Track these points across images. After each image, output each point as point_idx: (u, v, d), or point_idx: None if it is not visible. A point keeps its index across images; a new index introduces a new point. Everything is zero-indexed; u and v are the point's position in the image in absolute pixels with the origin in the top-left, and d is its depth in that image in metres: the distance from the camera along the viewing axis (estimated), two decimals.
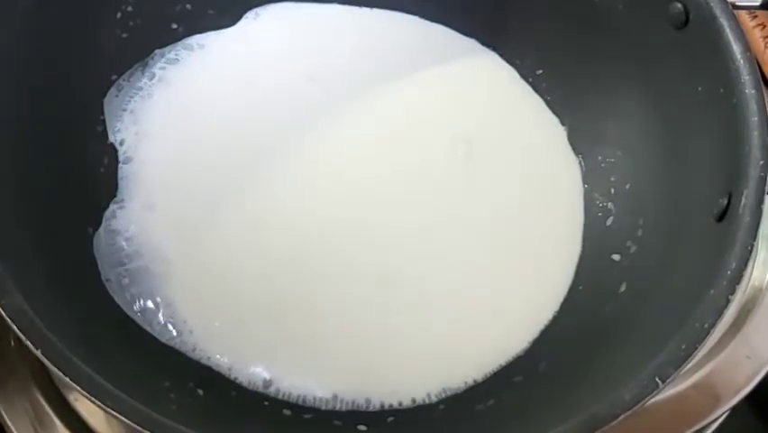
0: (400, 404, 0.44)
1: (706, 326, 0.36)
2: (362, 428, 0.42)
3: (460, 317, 0.46)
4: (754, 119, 0.40)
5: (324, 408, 0.43)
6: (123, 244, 0.46)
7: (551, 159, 0.52)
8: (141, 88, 0.50)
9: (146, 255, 0.46)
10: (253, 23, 0.54)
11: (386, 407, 0.44)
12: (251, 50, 0.53)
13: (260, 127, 0.50)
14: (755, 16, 0.62)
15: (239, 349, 0.44)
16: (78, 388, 0.32)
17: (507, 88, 0.54)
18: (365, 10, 0.55)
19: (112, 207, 0.47)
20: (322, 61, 0.53)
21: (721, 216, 0.40)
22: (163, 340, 0.44)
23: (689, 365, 0.36)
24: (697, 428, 0.48)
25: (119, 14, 0.50)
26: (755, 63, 0.41)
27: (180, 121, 0.50)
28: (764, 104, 0.40)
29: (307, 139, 0.50)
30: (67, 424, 0.46)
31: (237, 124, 0.50)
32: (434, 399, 0.44)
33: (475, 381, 0.45)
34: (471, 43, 0.55)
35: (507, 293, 0.47)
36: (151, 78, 0.51)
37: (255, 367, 0.44)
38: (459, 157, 0.51)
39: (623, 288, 0.45)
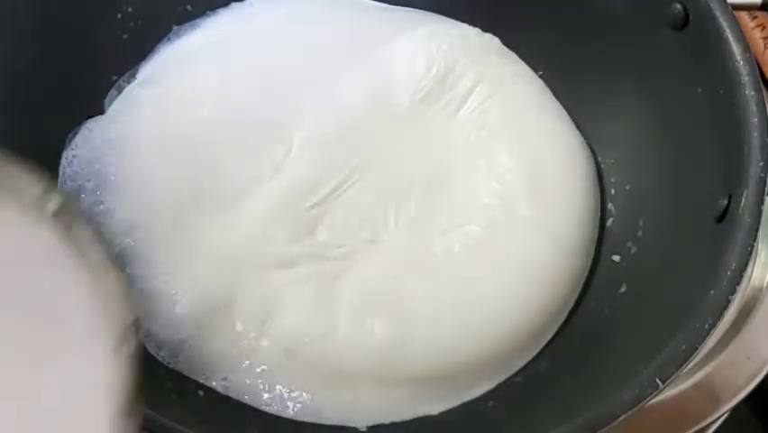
0: None
1: (706, 326, 0.36)
2: (363, 428, 0.42)
3: (459, 318, 0.46)
4: (754, 120, 0.40)
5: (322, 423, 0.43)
6: (122, 243, 0.46)
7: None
8: None
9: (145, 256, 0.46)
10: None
11: None
12: (252, 51, 0.53)
13: (261, 127, 0.50)
14: (755, 17, 0.62)
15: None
16: None
17: None
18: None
19: None
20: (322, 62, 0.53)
21: (721, 217, 0.40)
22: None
23: (689, 366, 0.36)
24: (697, 428, 0.48)
25: (119, 15, 0.50)
26: (755, 64, 0.41)
27: (180, 121, 0.50)
28: (764, 104, 0.41)
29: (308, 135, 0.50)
30: None
31: (238, 123, 0.50)
32: None
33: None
34: None
35: (507, 293, 0.47)
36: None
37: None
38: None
39: (623, 288, 0.45)
